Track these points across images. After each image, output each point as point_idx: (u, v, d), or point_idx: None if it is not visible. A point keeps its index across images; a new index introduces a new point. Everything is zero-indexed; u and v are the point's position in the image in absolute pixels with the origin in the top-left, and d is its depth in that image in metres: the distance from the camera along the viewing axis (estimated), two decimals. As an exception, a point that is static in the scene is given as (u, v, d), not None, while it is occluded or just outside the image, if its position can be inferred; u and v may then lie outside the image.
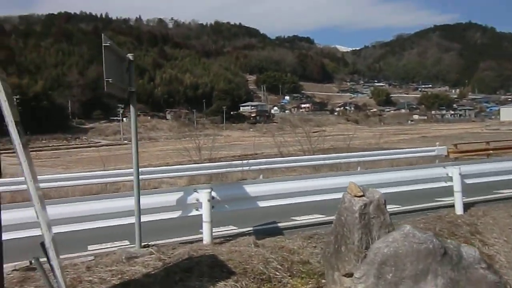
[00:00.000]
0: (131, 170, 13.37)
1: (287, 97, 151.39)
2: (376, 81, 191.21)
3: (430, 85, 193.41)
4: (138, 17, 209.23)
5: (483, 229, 6.21)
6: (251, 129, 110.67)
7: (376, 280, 3.22)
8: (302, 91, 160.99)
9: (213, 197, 5.41)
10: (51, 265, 2.97)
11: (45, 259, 2.90)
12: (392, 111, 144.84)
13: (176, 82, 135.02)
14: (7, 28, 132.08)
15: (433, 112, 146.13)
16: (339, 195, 6.45)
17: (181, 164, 16.67)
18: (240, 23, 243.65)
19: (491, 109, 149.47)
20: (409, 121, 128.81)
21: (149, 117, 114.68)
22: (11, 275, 4.41)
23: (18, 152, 2.87)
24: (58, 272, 2.98)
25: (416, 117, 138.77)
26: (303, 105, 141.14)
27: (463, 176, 6.62)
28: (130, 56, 4.85)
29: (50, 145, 75.64)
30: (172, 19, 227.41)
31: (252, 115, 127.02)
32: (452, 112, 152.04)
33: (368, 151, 17.91)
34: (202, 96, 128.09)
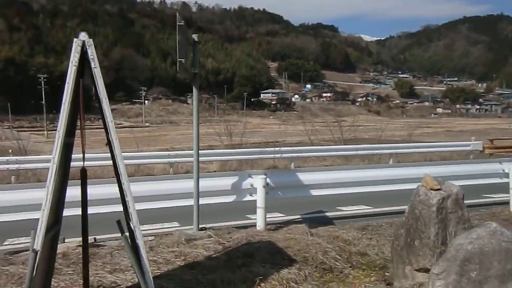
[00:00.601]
0: (162, 152, 13.37)
1: (308, 86, 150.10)
2: (400, 72, 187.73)
3: (456, 79, 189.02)
4: (162, 0, 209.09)
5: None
6: (271, 117, 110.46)
7: (459, 278, 3.13)
8: (324, 80, 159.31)
9: (267, 184, 5.37)
10: (136, 244, 2.98)
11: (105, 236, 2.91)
12: (415, 104, 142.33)
13: (198, 66, 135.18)
14: (35, 8, 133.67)
15: (457, 106, 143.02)
16: (392, 187, 6.40)
17: (207, 149, 16.71)
18: (264, 9, 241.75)
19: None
20: (432, 115, 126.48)
21: (170, 101, 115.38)
22: (76, 251, 4.48)
23: (110, 129, 2.86)
24: (143, 251, 2.98)
25: (439, 110, 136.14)
26: (324, 94, 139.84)
27: (518, 173, 6.41)
28: (195, 37, 4.80)
29: (74, 125, 76.95)
30: (196, 3, 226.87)
31: (273, 102, 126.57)
32: (478, 107, 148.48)
33: (399, 143, 17.59)
34: (224, 82, 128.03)
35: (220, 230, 5.20)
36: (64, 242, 4.84)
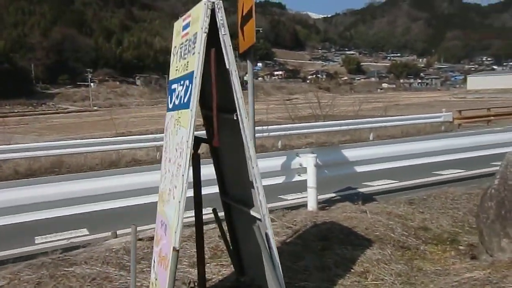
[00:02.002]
0: (146, 136, 12.74)
1: (259, 64, 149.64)
2: (347, 49, 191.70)
3: (399, 54, 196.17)
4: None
5: None
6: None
7: None
8: (275, 58, 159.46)
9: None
10: (266, 234, 2.68)
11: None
12: (362, 80, 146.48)
13: (145, 46, 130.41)
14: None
15: (401, 80, 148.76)
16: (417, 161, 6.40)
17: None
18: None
19: (455, 78, 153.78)
20: (379, 90, 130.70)
21: (118, 83, 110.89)
22: (138, 245, 4.07)
23: (240, 107, 2.51)
24: (273, 241, 2.70)
25: (385, 85, 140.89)
26: (276, 73, 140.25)
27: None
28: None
29: (15, 111, 72.22)
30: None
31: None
32: (419, 81, 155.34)
33: (377, 118, 17.90)
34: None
35: (273, 213, 4.95)
36: (116, 237, 4.40)
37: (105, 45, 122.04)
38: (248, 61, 4.71)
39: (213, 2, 2.38)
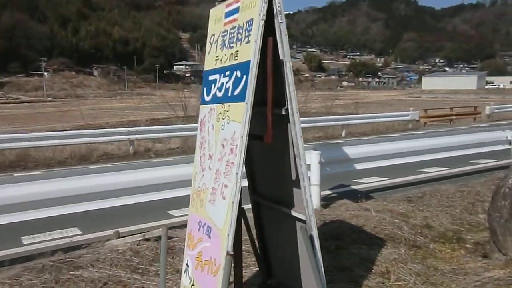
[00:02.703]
0: (119, 129, 12.30)
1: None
2: (308, 46, 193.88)
3: (358, 53, 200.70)
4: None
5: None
6: (186, 90, 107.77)
7: None
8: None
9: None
10: (311, 236, 2.54)
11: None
12: (323, 77, 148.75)
13: (103, 35, 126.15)
14: None
15: (360, 79, 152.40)
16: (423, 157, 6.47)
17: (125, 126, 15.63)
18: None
19: (411, 78, 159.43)
20: (339, 87, 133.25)
21: (74, 73, 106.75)
22: (145, 245, 3.82)
23: (291, 100, 2.35)
24: (317, 243, 2.57)
25: (345, 83, 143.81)
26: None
27: None
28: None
29: (-38, 99, 67.99)
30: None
31: (187, 75, 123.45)
32: (377, 80, 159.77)
33: (349, 115, 18.13)
34: (133, 52, 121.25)
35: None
36: (119, 237, 4.11)
37: (60, 33, 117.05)
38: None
39: (271, -12, 2.20)
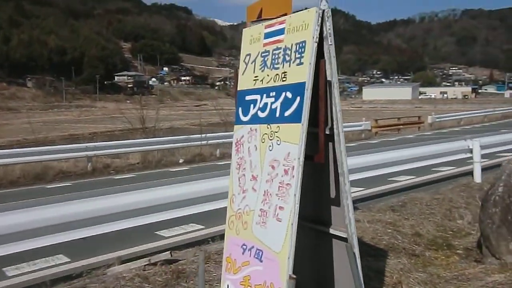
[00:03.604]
0: (75, 145, 11.78)
1: (165, 69, 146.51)
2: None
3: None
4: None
5: None
6: (128, 101, 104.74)
7: None
8: (181, 63, 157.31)
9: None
10: (354, 254, 2.57)
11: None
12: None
13: (38, 44, 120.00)
14: None
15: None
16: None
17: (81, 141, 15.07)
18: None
19: (351, 89, 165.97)
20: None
21: (5, 84, 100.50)
22: (151, 271, 3.65)
23: (338, 121, 2.38)
24: (359, 261, 2.61)
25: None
26: (183, 78, 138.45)
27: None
28: None
29: None
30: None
31: (129, 86, 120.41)
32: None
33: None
34: (71, 62, 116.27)
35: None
36: (122, 263, 3.91)
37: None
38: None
39: (323, 10, 2.23)
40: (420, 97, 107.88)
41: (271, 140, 2.35)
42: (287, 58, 2.33)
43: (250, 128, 2.52)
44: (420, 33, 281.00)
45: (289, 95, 2.27)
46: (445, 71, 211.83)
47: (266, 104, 2.43)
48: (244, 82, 2.65)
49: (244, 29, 2.72)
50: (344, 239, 2.59)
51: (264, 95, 2.45)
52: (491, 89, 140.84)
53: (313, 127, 2.45)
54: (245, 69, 2.67)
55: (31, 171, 10.86)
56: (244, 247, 2.46)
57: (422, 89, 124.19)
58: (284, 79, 2.33)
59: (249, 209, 2.46)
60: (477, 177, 7.41)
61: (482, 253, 4.28)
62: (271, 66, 2.44)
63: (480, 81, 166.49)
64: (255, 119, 2.50)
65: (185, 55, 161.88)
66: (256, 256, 2.36)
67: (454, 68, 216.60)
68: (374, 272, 3.78)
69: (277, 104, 2.35)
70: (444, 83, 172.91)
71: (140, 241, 5.08)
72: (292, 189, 2.17)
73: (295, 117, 2.21)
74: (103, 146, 11.91)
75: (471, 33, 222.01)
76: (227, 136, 14.34)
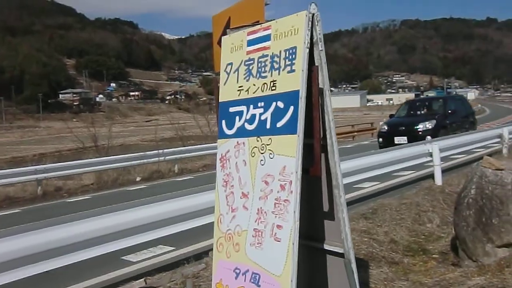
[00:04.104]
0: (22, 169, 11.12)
1: (113, 84, 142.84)
2: (203, 70, 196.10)
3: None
4: None
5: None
6: (75, 119, 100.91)
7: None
8: (129, 78, 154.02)
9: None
10: (351, 269, 2.45)
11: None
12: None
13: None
14: None
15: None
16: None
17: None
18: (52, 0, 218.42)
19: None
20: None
21: None
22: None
23: (331, 130, 2.27)
24: (356, 276, 2.48)
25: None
26: (131, 93, 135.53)
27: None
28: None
29: None
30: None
31: (75, 103, 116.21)
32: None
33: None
34: (10, 81, 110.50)
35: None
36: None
37: None
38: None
39: (313, 14, 2.12)
40: (368, 104, 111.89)
41: (262, 153, 2.19)
42: (276, 65, 2.18)
43: (237, 142, 2.35)
44: (364, 42, 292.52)
45: (280, 104, 2.13)
46: (389, 79, 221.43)
47: (254, 115, 2.27)
48: (227, 93, 2.48)
49: (223, 37, 2.56)
50: (340, 255, 2.46)
51: (251, 106, 2.29)
52: (431, 94, 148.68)
53: (305, 137, 2.31)
54: (227, 79, 2.50)
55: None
56: (238, 271, 2.26)
57: (369, 97, 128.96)
58: (273, 88, 2.18)
59: (240, 229, 2.27)
60: (438, 179, 7.59)
61: (459, 256, 4.31)
62: (257, 74, 2.28)
63: (421, 87, 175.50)
64: (242, 132, 2.33)
65: (132, 70, 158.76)
66: (252, 281, 2.17)
67: (397, 76, 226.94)
68: (360, 285, 3.68)
69: (267, 115, 2.19)
70: (389, 90, 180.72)
71: (106, 269, 4.71)
72: (291, 205, 2.01)
73: (289, 128, 2.06)
74: (53, 168, 11.21)
75: (410, 42, 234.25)
76: (185, 151, 14.04)
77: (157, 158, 12.77)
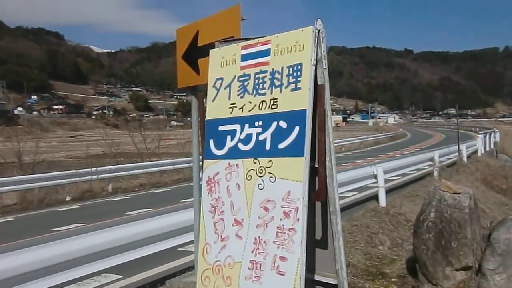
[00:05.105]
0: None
1: (34, 97, 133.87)
2: (134, 86, 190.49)
3: (185, 94, 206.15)
4: None
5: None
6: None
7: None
8: (53, 91, 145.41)
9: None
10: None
11: None
12: (151, 117, 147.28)
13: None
14: None
15: (189, 119, 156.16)
16: None
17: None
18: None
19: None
20: (168, 127, 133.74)
21: None
22: None
23: (331, 149, 2.15)
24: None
25: (174, 123, 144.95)
26: (55, 107, 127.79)
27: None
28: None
29: None
30: None
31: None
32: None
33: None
34: None
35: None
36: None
37: None
38: (193, 97, 4.06)
39: (319, 30, 2.00)
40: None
41: (260, 177, 2.00)
42: (277, 82, 2.03)
43: (229, 163, 2.14)
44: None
45: (283, 124, 1.97)
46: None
47: (249, 135, 2.08)
48: (216, 110, 2.27)
49: (211, 50, 2.37)
50: (333, 286, 2.31)
51: (246, 124, 2.10)
52: (357, 118, 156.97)
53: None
54: (216, 95, 2.29)
55: None
56: (229, 308, 2.02)
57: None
58: (274, 106, 2.02)
59: (232, 260, 2.05)
60: (382, 201, 7.81)
61: (419, 280, 4.35)
62: (254, 91, 2.11)
63: (348, 111, 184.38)
64: (234, 153, 2.13)
65: (57, 82, 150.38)
66: (249, 319, 1.95)
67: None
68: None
69: (266, 135, 2.02)
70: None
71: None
72: (298, 235, 1.84)
73: (294, 150, 1.91)
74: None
75: (338, 67, 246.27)
76: (119, 169, 13.30)
77: (89, 177, 11.92)
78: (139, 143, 20.03)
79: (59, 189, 11.95)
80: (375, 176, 7.87)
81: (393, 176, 10.23)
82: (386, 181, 9.62)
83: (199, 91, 3.47)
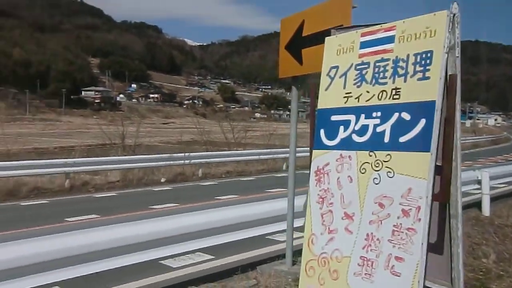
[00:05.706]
0: (52, 161, 11.05)
1: (134, 85, 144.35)
2: (222, 78, 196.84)
3: (270, 87, 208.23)
4: None
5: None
6: (95, 116, 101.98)
7: None
8: (150, 81, 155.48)
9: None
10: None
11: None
12: (237, 108, 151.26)
13: (3, 56, 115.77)
14: None
15: (272, 111, 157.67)
16: None
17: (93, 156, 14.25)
18: (81, 0, 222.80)
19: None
20: (252, 118, 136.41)
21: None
22: None
23: (458, 149, 1.96)
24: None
25: (257, 115, 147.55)
26: (151, 95, 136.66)
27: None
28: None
29: None
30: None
31: (96, 101, 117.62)
32: (288, 113, 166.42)
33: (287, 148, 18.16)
34: (36, 76, 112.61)
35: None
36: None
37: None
38: (294, 88, 4.03)
39: (454, 15, 1.83)
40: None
41: (377, 171, 1.89)
42: (400, 71, 1.90)
43: (340, 155, 2.06)
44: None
45: (405, 116, 1.84)
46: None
47: (365, 126, 1.98)
48: (328, 100, 2.20)
49: (327, 38, 2.29)
50: (447, 293, 2.13)
51: (362, 115, 2.00)
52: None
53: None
54: (330, 84, 2.22)
55: (2, 186, 9.96)
56: (336, 304, 1.95)
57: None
58: (396, 96, 1.89)
59: (340, 254, 1.97)
60: (486, 209, 7.21)
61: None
62: (373, 80, 2.00)
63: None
64: (347, 144, 2.04)
65: (154, 72, 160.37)
66: (357, 318, 1.86)
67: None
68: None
69: (385, 127, 1.90)
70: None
71: (146, 272, 4.43)
72: (419, 236, 1.71)
73: (418, 144, 1.77)
74: (82, 162, 11.12)
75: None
76: (209, 156, 13.83)
77: (182, 161, 12.56)
78: (227, 133, 20.63)
79: (155, 171, 12.76)
80: (479, 182, 7.24)
81: (498, 183, 9.35)
82: (491, 188, 8.86)
83: (307, 80, 3.41)
